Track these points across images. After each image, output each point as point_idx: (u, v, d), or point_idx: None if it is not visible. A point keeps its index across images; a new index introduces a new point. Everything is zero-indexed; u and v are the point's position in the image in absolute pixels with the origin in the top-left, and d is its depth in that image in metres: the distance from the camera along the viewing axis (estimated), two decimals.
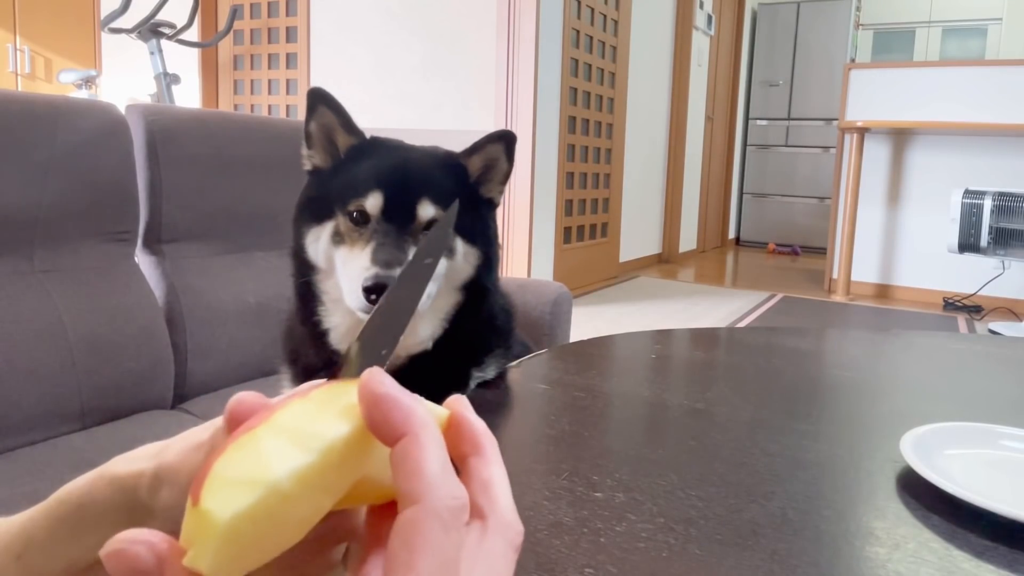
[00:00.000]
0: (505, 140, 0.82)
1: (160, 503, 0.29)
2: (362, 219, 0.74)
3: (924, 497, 0.58)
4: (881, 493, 0.61)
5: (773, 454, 0.68)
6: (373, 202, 0.74)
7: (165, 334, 1.37)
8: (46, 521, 0.32)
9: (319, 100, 0.78)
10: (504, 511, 0.27)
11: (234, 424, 0.27)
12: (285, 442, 0.25)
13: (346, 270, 0.73)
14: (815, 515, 0.57)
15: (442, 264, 0.76)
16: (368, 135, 0.81)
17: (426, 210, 0.75)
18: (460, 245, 0.77)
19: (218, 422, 0.30)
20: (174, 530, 0.29)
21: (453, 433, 0.28)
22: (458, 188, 0.79)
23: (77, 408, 1.21)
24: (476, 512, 0.26)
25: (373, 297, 0.69)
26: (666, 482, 0.61)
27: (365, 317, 0.71)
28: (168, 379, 1.37)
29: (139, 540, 0.25)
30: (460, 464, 0.28)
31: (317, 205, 0.78)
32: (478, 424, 0.29)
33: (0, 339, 1.13)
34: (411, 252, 0.72)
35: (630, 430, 0.79)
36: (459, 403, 0.30)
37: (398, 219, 0.74)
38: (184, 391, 1.41)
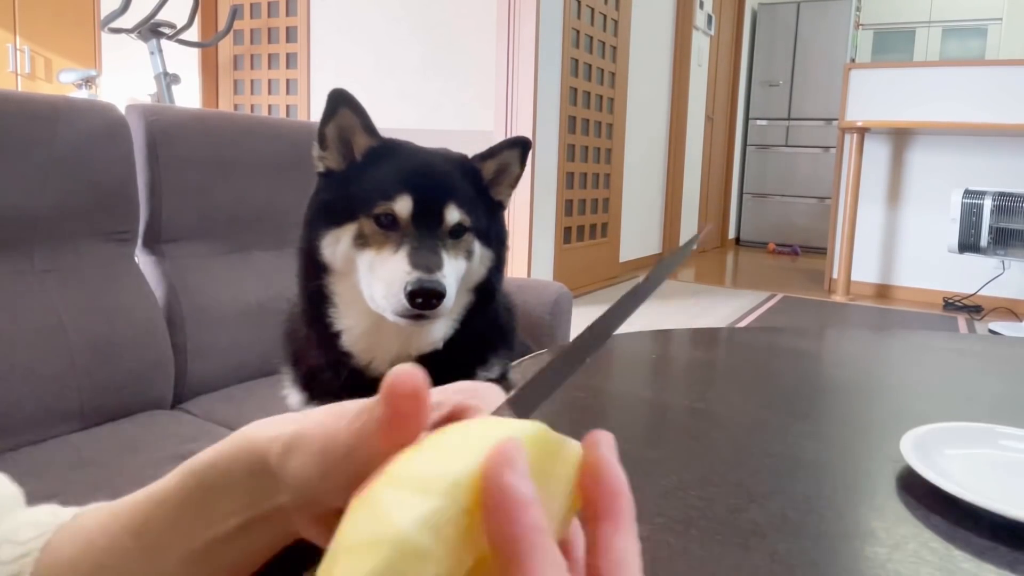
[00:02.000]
0: (521, 146, 0.83)
1: (288, 472, 0.27)
2: (389, 222, 0.74)
3: (924, 497, 0.58)
4: (881, 493, 0.61)
5: (773, 454, 0.68)
6: (403, 205, 0.74)
7: (165, 334, 1.37)
8: (167, 495, 0.30)
9: (341, 102, 0.78)
10: None
11: (393, 399, 0.25)
12: (405, 491, 0.22)
13: (378, 274, 0.73)
14: (815, 515, 0.57)
15: (461, 266, 0.76)
16: (383, 138, 0.81)
17: (452, 214, 0.75)
18: (477, 248, 0.78)
19: (371, 401, 0.27)
20: (299, 504, 0.28)
21: (589, 481, 0.25)
22: (476, 192, 0.80)
23: (77, 408, 1.21)
24: None
25: (419, 301, 0.69)
26: (666, 482, 0.61)
27: (399, 321, 0.71)
28: (168, 379, 1.37)
29: None
30: (589, 521, 0.25)
31: (335, 208, 0.77)
32: (619, 479, 0.25)
33: (0, 339, 1.13)
34: (443, 256, 0.72)
35: (630, 430, 0.79)
36: (603, 443, 0.25)
37: (427, 223, 0.74)
38: (184, 391, 1.41)
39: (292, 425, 0.28)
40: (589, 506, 0.25)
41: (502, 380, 0.85)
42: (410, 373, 0.25)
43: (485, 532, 0.21)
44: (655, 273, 0.30)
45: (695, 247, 0.31)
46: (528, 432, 0.24)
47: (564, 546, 0.26)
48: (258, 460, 0.28)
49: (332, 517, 0.25)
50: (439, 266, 0.71)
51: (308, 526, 0.28)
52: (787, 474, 0.64)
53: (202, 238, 1.51)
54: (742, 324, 3.83)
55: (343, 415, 0.27)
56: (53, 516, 0.34)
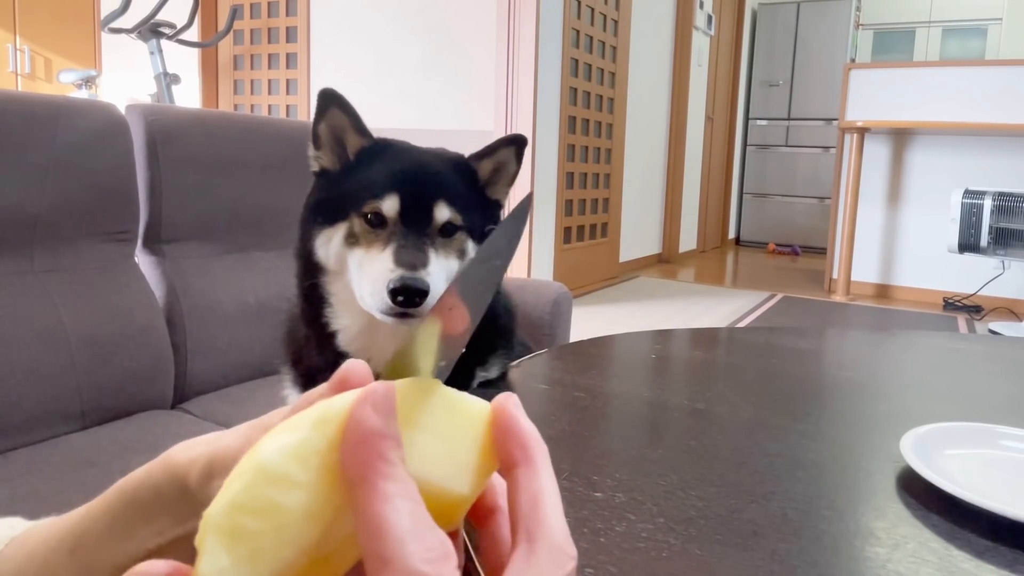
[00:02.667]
0: (516, 144, 0.82)
1: (210, 493, 0.26)
2: (378, 221, 0.74)
3: (924, 497, 0.58)
4: (881, 493, 0.61)
5: (773, 454, 0.68)
6: (390, 204, 0.74)
7: (165, 334, 1.37)
8: (102, 513, 0.31)
9: (331, 101, 0.78)
10: (554, 532, 0.24)
11: (338, 388, 0.26)
12: (280, 433, 0.23)
13: (365, 272, 0.73)
14: (815, 515, 0.57)
15: (453, 265, 0.76)
16: (377, 137, 0.81)
17: (442, 212, 0.75)
18: (471, 247, 0.78)
19: (286, 410, 0.28)
20: None
21: (500, 435, 0.26)
22: (470, 191, 0.79)
23: (77, 408, 1.21)
24: (523, 533, 0.24)
25: (400, 299, 0.69)
26: (666, 482, 0.61)
27: (386, 320, 0.71)
28: (168, 379, 1.37)
29: (146, 573, 0.24)
30: (506, 472, 0.26)
31: (328, 207, 0.77)
32: (528, 428, 0.26)
33: (0, 339, 1.13)
34: (431, 254, 0.72)
35: (630, 430, 0.79)
36: (509, 401, 0.27)
37: (415, 221, 0.74)
38: (184, 391, 1.41)
39: (211, 445, 0.28)
40: (505, 458, 0.26)
41: (501, 380, 0.85)
42: (360, 366, 0.26)
43: (340, 461, 0.22)
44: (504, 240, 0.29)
45: (530, 204, 0.30)
46: (411, 382, 0.25)
47: (486, 496, 0.28)
48: (178, 482, 0.29)
49: None
50: (424, 264, 0.71)
51: None
52: (787, 474, 0.64)
53: (202, 238, 1.51)
54: (742, 324, 3.83)
55: (266, 428, 0.27)
56: (10, 529, 0.35)
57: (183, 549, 0.29)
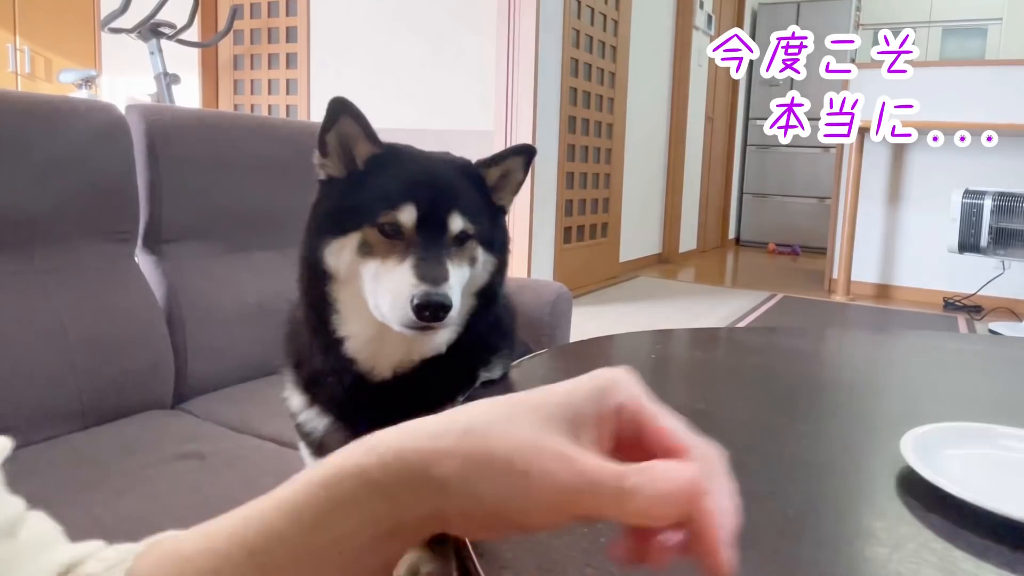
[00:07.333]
0: (525, 154, 0.82)
1: (474, 490, 0.29)
2: (394, 232, 0.73)
3: (924, 497, 0.58)
4: (881, 493, 0.61)
5: (773, 454, 0.68)
6: (407, 215, 0.73)
7: (165, 334, 1.37)
8: (290, 508, 0.31)
9: (342, 110, 0.77)
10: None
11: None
12: None
13: (383, 285, 0.72)
14: (815, 515, 0.57)
15: (465, 273, 0.76)
16: (385, 143, 0.81)
17: (456, 223, 0.75)
18: (481, 254, 0.78)
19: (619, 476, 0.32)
20: (466, 512, 0.30)
21: None
22: (479, 197, 0.79)
23: (77, 408, 1.21)
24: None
25: (427, 314, 0.69)
26: None
27: (405, 332, 0.71)
28: (168, 379, 1.37)
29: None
30: None
31: (338, 216, 0.77)
32: None
33: (0, 339, 1.13)
34: (449, 266, 0.72)
35: None
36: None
37: (432, 231, 0.73)
38: (184, 391, 1.41)
39: (451, 437, 0.30)
40: None
41: (503, 380, 0.85)
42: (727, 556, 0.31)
43: None
44: None
45: None
46: None
47: None
48: (415, 471, 0.30)
49: (493, 518, 0.30)
50: (445, 277, 0.70)
51: (467, 526, 0.31)
52: (787, 474, 0.64)
53: (202, 238, 1.51)
54: (742, 324, 3.83)
55: (521, 426, 0.30)
56: (112, 547, 0.35)
57: (399, 537, 0.31)
